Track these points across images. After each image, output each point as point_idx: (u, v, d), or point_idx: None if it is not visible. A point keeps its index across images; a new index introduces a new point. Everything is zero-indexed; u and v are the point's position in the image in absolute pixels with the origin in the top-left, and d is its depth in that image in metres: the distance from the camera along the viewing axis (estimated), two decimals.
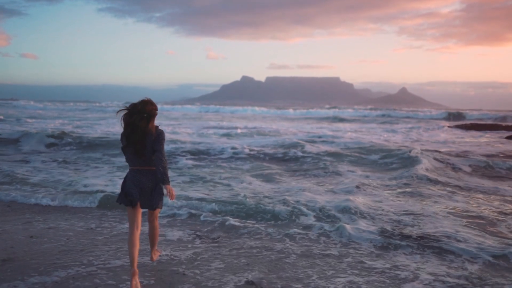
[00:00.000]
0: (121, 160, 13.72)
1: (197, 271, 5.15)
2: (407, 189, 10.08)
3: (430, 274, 5.16)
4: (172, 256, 5.64)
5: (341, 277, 5.02)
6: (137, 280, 4.46)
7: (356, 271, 5.21)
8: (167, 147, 14.23)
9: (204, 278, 4.96)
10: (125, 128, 4.48)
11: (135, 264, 4.49)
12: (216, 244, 6.21)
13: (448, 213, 7.86)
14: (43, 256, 5.57)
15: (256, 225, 7.06)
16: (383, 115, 59.04)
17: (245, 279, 4.93)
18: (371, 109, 77.63)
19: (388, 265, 5.42)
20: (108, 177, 11.05)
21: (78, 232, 6.75)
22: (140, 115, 4.42)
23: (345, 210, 7.87)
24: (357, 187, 10.02)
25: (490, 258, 5.63)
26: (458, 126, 35.08)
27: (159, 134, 4.54)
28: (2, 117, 35.23)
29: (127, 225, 6.87)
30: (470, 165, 13.32)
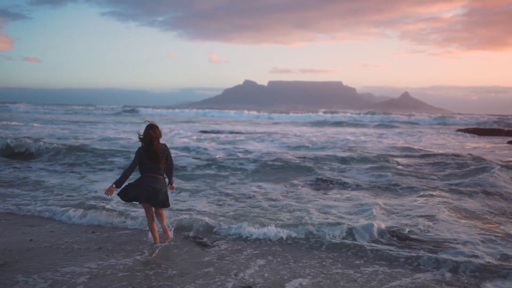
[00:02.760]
0: (119, 165, 13.69)
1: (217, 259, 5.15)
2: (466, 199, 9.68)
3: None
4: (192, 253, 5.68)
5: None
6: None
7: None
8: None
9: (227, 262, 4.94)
10: (148, 149, 5.84)
11: (157, 240, 6.20)
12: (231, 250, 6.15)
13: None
14: (42, 259, 5.51)
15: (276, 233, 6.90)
16: (377, 120, 58.20)
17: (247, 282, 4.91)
18: (367, 112, 76.89)
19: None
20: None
21: (80, 235, 6.70)
22: (157, 140, 5.89)
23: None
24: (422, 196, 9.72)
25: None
26: (461, 131, 34.99)
27: (168, 150, 6.10)
28: (17, 122, 34.64)
29: (127, 231, 7.00)
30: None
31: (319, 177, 12.08)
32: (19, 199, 9.10)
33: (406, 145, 21.33)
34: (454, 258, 5.63)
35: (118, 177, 5.99)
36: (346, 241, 6.43)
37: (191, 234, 6.82)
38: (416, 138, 27.96)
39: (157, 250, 6.00)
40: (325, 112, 79.40)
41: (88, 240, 6.47)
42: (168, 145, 6.31)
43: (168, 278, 5.06)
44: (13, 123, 34.17)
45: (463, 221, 7.73)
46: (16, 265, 5.30)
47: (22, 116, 50.45)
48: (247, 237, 6.66)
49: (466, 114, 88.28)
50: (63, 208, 8.14)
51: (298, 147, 19.88)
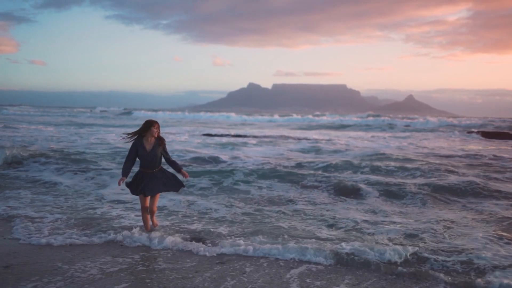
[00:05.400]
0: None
1: None
2: None
3: None
4: None
5: None
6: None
7: None
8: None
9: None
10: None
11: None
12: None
13: None
14: (45, 262, 5.49)
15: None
16: (383, 123, 57.25)
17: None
18: (367, 116, 76.31)
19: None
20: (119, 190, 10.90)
21: (84, 239, 6.66)
22: None
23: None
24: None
25: None
26: (473, 133, 34.90)
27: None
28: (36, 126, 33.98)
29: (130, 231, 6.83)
30: None
31: (337, 181, 11.28)
32: (18, 202, 9.07)
33: (425, 150, 20.94)
34: None
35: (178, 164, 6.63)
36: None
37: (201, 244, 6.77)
38: (427, 141, 27.71)
39: (161, 252, 6.00)
40: (318, 115, 79.02)
41: (92, 241, 6.45)
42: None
43: (173, 280, 5.04)
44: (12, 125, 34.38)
45: None
46: (18, 268, 5.29)
47: (16, 119, 50.65)
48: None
49: (471, 117, 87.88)
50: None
51: (307, 151, 19.62)
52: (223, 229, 7.06)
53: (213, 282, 5.01)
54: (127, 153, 6.57)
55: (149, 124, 6.41)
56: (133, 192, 6.54)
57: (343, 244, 6.12)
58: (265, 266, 5.56)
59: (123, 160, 14.19)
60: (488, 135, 33.00)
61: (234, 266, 5.55)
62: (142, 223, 6.91)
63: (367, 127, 46.96)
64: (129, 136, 6.55)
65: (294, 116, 75.67)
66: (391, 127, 47.15)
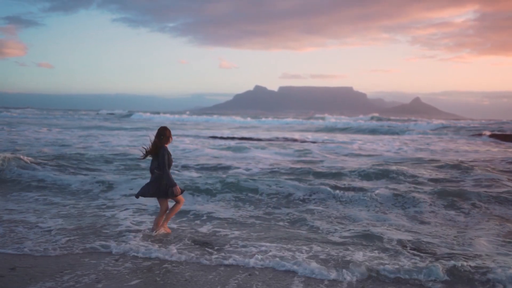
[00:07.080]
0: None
1: None
2: None
3: None
4: None
5: None
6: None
7: None
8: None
9: None
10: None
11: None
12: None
13: None
14: (51, 265, 5.44)
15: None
16: (381, 125, 55.97)
17: None
18: (372, 118, 75.51)
19: None
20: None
21: (88, 243, 6.58)
22: (155, 141, 6.62)
23: None
24: None
25: None
26: (479, 135, 34.72)
27: (161, 150, 6.55)
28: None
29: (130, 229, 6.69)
30: None
31: (346, 184, 10.90)
32: (18, 206, 8.97)
33: (436, 154, 20.44)
34: None
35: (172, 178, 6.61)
36: None
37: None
38: (436, 144, 27.37)
39: (163, 255, 5.91)
40: (323, 118, 78.77)
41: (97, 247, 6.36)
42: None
43: (182, 278, 4.98)
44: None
45: None
46: (24, 270, 5.25)
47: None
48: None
49: (478, 119, 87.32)
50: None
51: (315, 153, 19.35)
52: (232, 234, 6.96)
53: (223, 277, 5.10)
54: (165, 162, 6.50)
55: (169, 132, 6.69)
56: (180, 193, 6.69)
57: (352, 254, 5.97)
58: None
59: (127, 162, 14.34)
60: (499, 138, 32.61)
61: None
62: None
63: (374, 130, 46.53)
64: (158, 147, 6.59)
65: (296, 119, 75.53)
66: (397, 129, 46.71)
